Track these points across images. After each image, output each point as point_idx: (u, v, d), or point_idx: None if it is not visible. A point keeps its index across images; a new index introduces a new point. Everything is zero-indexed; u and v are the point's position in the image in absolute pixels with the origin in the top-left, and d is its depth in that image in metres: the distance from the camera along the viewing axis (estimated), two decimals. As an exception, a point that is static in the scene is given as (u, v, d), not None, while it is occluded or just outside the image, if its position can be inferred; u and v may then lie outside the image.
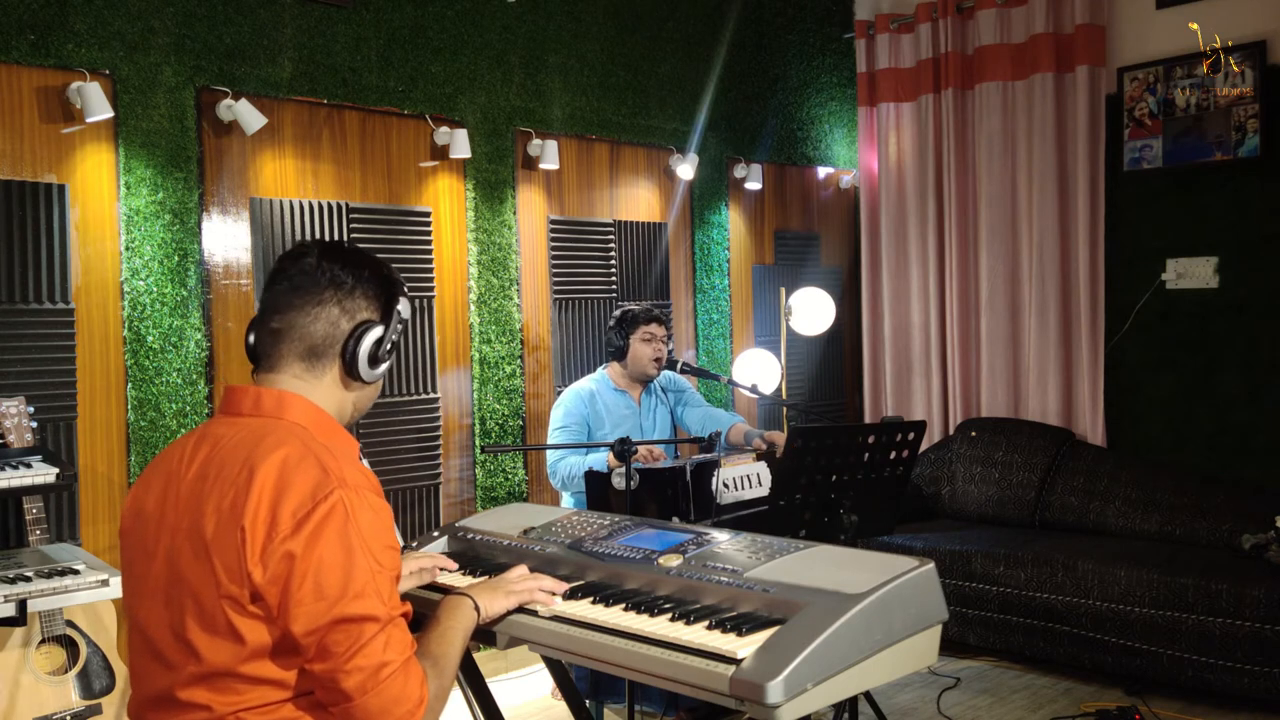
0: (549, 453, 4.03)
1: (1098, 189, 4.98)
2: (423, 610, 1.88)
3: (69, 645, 3.04)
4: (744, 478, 3.48)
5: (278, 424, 1.62)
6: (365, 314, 1.68)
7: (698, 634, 1.64)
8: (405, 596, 1.98)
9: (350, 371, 1.68)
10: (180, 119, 3.68)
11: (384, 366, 1.72)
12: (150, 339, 3.61)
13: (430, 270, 4.32)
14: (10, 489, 2.90)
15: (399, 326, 1.72)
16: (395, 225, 4.23)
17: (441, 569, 2.10)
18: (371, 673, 1.49)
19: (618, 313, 4.09)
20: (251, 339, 1.72)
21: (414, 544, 2.27)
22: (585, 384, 4.09)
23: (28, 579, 2.76)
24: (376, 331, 1.68)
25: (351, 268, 1.68)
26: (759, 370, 5.04)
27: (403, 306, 1.73)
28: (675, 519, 3.27)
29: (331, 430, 1.67)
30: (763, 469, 3.54)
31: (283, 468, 1.52)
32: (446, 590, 1.92)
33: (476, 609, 1.78)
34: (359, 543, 1.51)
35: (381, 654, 1.50)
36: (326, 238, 4.02)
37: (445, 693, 1.63)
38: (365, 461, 3.25)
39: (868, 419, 5.85)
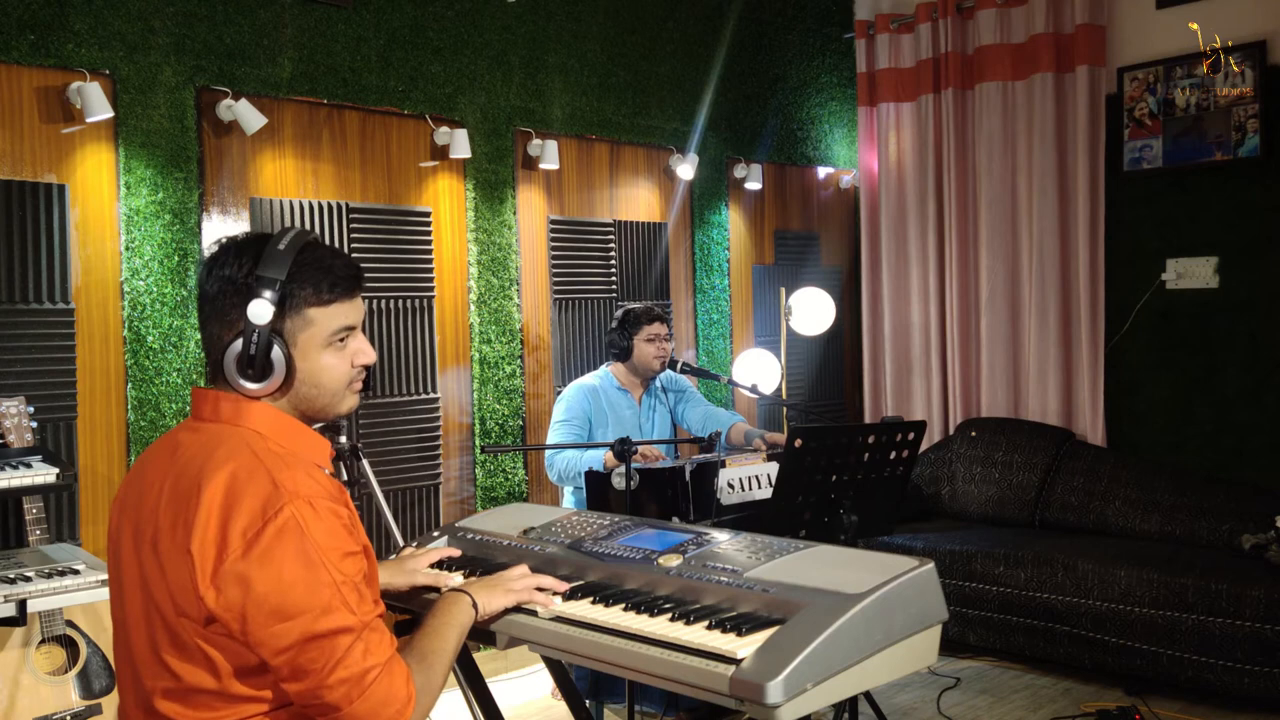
0: (549, 446, 4.03)
1: (1098, 189, 4.98)
2: (423, 611, 1.87)
3: (69, 645, 3.03)
4: (751, 478, 3.47)
5: (233, 432, 1.59)
6: (240, 324, 1.58)
7: (697, 634, 1.63)
8: (411, 594, 1.97)
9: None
10: (180, 119, 3.68)
11: (276, 373, 1.59)
12: (150, 339, 3.61)
13: (430, 270, 4.32)
14: (10, 489, 2.89)
15: (259, 335, 1.57)
16: (395, 225, 4.23)
17: (446, 559, 2.10)
18: (356, 681, 1.48)
19: (619, 313, 4.09)
20: None
21: (414, 543, 2.27)
22: (590, 380, 4.09)
23: (28, 579, 2.76)
24: (236, 347, 1.58)
25: (218, 277, 1.60)
26: (759, 370, 5.04)
27: (255, 311, 1.56)
28: (675, 519, 3.27)
29: (293, 433, 1.63)
30: (772, 469, 3.51)
31: (230, 485, 1.49)
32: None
33: (474, 605, 1.77)
34: (317, 556, 1.48)
35: (363, 661, 1.49)
36: (327, 238, 4.02)
37: (434, 688, 1.61)
38: (349, 464, 3.23)
39: (868, 419, 5.85)
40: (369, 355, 1.70)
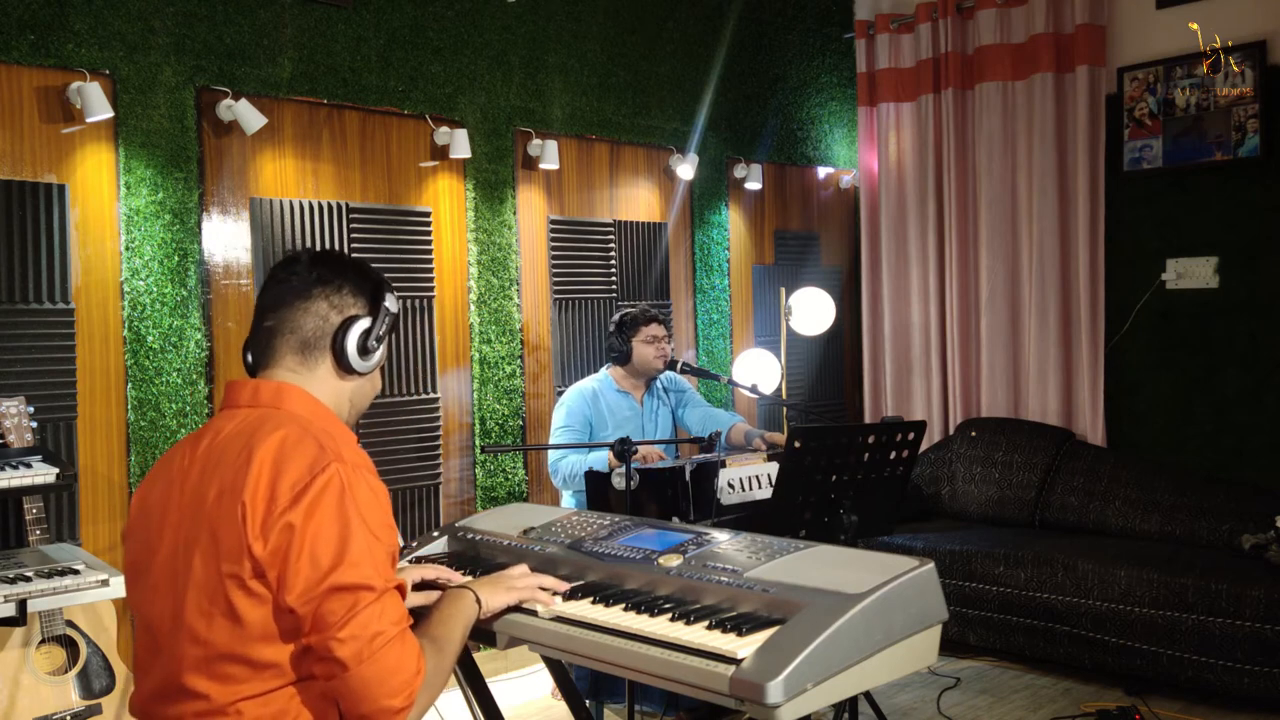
0: (550, 451, 4.03)
1: (1098, 189, 4.98)
2: (424, 611, 1.87)
3: (69, 645, 3.04)
4: (752, 478, 3.47)
5: (276, 412, 1.66)
6: (354, 309, 1.74)
7: (697, 634, 1.64)
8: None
9: (340, 362, 1.73)
10: (180, 119, 3.68)
11: (375, 358, 1.77)
12: (150, 339, 3.61)
13: (430, 270, 4.32)
14: (10, 489, 2.90)
15: (387, 320, 1.77)
16: (395, 225, 4.23)
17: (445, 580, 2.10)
18: (366, 641, 1.51)
19: (616, 317, 4.09)
20: (248, 355, 1.77)
21: (414, 544, 2.27)
22: (588, 384, 4.09)
23: (28, 579, 2.76)
24: (364, 323, 1.74)
25: (338, 268, 1.76)
26: (759, 370, 5.04)
27: (390, 302, 1.78)
28: (675, 519, 3.27)
29: (329, 421, 1.71)
30: (772, 469, 3.51)
31: (281, 446, 1.56)
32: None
33: (478, 601, 1.79)
34: (355, 515, 1.54)
35: (376, 623, 1.52)
36: (326, 238, 4.03)
37: (444, 674, 1.65)
38: None
39: (868, 419, 5.85)
40: None
